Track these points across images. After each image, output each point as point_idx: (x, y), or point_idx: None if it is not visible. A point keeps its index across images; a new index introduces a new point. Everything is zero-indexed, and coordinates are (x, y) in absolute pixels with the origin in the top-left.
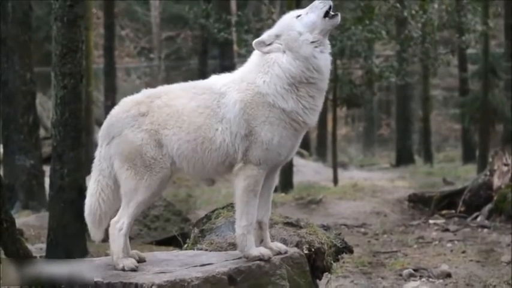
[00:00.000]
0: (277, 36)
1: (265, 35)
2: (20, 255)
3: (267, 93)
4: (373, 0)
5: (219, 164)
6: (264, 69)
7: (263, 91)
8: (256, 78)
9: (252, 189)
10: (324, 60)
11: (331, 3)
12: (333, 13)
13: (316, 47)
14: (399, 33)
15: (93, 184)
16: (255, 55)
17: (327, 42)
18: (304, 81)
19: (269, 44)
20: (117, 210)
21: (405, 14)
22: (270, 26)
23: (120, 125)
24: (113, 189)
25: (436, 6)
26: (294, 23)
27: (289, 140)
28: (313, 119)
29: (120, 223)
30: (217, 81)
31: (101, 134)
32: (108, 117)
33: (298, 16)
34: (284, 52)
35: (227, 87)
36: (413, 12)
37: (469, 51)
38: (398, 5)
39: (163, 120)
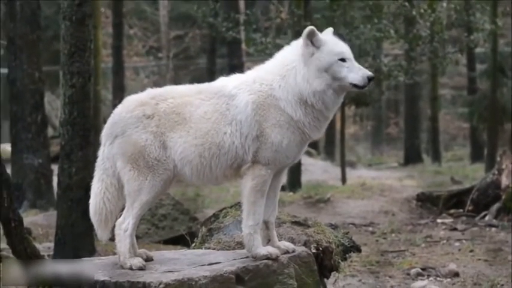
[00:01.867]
0: (318, 48)
1: (320, 36)
2: (28, 254)
3: (280, 98)
4: None
5: (227, 167)
6: (282, 72)
7: (277, 95)
8: (274, 81)
9: (259, 189)
10: (333, 99)
11: (364, 82)
12: (360, 85)
13: (332, 89)
14: (408, 32)
15: (97, 183)
16: (277, 58)
17: (345, 91)
18: (308, 104)
19: (313, 44)
20: (122, 209)
21: (414, 12)
22: (278, 25)
23: (123, 125)
24: (117, 188)
25: (444, 5)
26: (332, 61)
27: (295, 145)
28: (317, 135)
29: (126, 224)
30: (226, 83)
31: (104, 133)
32: (111, 116)
33: (341, 59)
34: (306, 67)
35: (238, 89)
36: (421, 11)
37: (478, 50)
38: (406, 3)
39: (170, 125)
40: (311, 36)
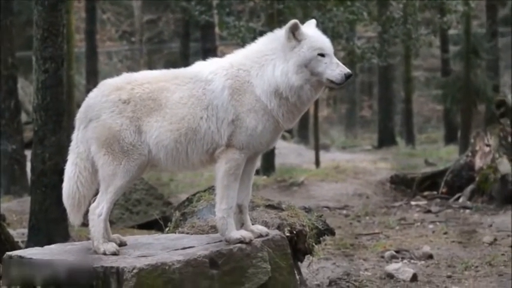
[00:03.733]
0: (299, 42)
1: (302, 29)
2: (2, 241)
3: (256, 85)
4: None
5: (203, 153)
6: (261, 61)
7: (253, 82)
8: (252, 68)
9: (233, 173)
10: (310, 95)
11: (341, 79)
12: (337, 82)
13: (310, 85)
14: (381, 14)
15: (71, 167)
16: (258, 44)
17: (323, 86)
18: (283, 97)
19: (295, 38)
20: (95, 194)
21: None
22: (251, 9)
23: (98, 109)
24: (91, 172)
25: None
26: (311, 56)
27: (269, 132)
28: (290, 126)
29: (100, 208)
30: (203, 68)
31: (78, 117)
32: (86, 99)
33: (320, 55)
34: (285, 61)
35: (214, 74)
36: None
37: (451, 31)
38: None
39: (146, 111)
40: (294, 30)
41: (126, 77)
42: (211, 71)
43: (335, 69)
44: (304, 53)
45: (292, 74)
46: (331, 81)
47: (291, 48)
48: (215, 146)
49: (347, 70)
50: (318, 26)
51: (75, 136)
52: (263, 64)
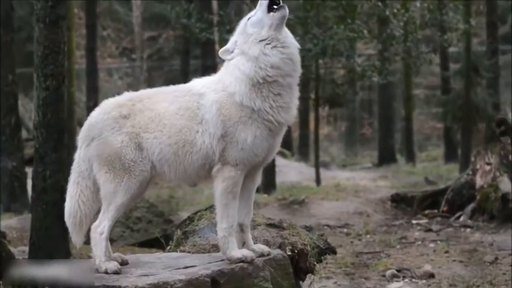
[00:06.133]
0: (235, 42)
1: (229, 43)
2: (3, 258)
3: (234, 93)
4: None
5: (199, 167)
6: (230, 71)
7: (231, 91)
8: (226, 79)
9: (230, 191)
10: (279, 55)
11: None
12: (276, 6)
13: (267, 43)
14: (381, 32)
15: (73, 186)
16: (228, 62)
17: (285, 35)
18: (261, 82)
19: (232, 51)
20: (97, 213)
21: (387, 12)
22: None
23: (100, 127)
24: (92, 191)
25: (417, 4)
26: (246, 26)
27: (264, 140)
28: (286, 117)
29: (102, 227)
30: (197, 83)
31: (81, 136)
32: (89, 118)
33: (249, 18)
34: (241, 56)
35: (206, 88)
36: (395, 11)
37: (451, 49)
38: (380, 3)
39: (144, 123)
40: (226, 54)
41: (127, 95)
42: (203, 85)
43: (260, 2)
44: (241, 34)
45: (249, 50)
46: (272, 8)
47: (240, 51)
48: (210, 162)
49: None
50: (318, 43)
51: (77, 155)
52: (232, 73)
